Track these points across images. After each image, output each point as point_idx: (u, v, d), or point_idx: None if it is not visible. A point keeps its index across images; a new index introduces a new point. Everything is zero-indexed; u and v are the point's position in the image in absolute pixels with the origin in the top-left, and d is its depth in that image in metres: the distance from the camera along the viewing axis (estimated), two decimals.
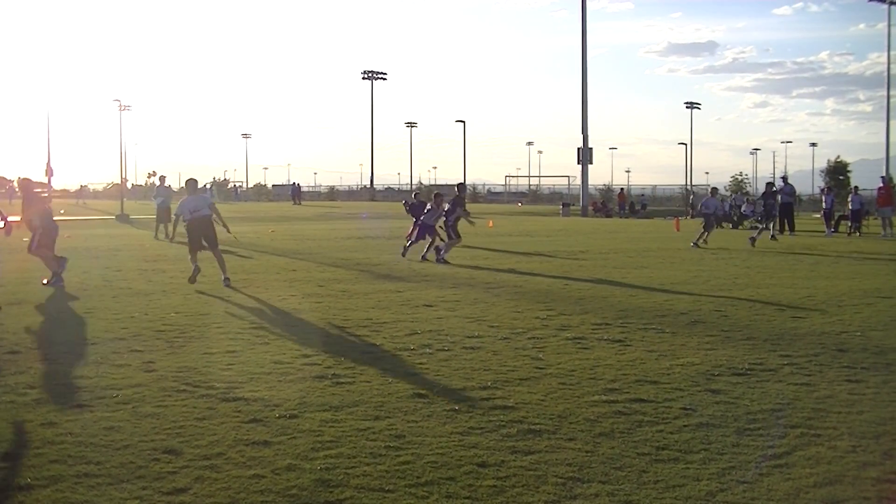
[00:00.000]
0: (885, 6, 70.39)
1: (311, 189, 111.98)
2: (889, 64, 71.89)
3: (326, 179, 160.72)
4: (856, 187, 36.10)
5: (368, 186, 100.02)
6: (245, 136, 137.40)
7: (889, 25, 71.14)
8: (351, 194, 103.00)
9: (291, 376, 7.15)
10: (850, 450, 5.29)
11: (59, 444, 5.30)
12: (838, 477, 4.82)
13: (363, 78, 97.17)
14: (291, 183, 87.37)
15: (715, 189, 30.10)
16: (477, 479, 4.75)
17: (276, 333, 9.17)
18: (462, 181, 22.31)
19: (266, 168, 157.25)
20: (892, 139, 72.76)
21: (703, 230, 23.73)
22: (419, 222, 19.41)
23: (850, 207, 31.43)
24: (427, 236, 18.97)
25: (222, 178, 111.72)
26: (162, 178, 30.24)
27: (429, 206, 19.64)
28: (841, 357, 8.03)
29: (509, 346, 8.52)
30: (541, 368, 7.50)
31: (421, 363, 7.68)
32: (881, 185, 32.44)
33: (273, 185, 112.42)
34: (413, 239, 19.23)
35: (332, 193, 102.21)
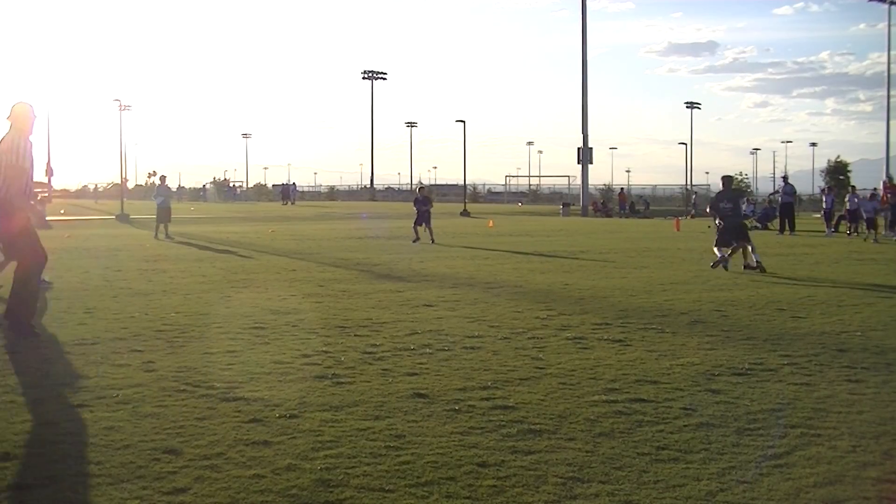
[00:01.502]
0: (886, 6, 70.55)
1: (311, 189, 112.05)
2: (889, 64, 72.00)
3: (326, 179, 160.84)
4: (853, 187, 36.19)
5: (368, 186, 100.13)
6: (245, 135, 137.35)
7: (889, 25, 71.25)
8: (351, 194, 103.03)
9: (291, 376, 7.15)
10: (851, 450, 5.28)
11: (59, 444, 5.29)
12: (838, 477, 4.82)
13: (363, 78, 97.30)
14: (290, 183, 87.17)
15: (874, 192, 30.93)
16: (477, 479, 4.75)
17: (276, 333, 9.17)
18: (728, 174, 18.02)
19: (266, 168, 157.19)
20: (892, 139, 72.82)
21: (872, 231, 27.41)
22: (728, 224, 16.18)
23: (848, 207, 31.45)
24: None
25: (222, 178, 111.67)
26: (162, 178, 30.33)
27: (733, 202, 16.43)
28: (841, 357, 8.03)
29: (509, 346, 8.51)
30: (541, 368, 7.50)
31: (421, 363, 7.67)
32: (889, 185, 32.46)
33: (273, 185, 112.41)
34: (733, 248, 16.21)
35: (333, 193, 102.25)
